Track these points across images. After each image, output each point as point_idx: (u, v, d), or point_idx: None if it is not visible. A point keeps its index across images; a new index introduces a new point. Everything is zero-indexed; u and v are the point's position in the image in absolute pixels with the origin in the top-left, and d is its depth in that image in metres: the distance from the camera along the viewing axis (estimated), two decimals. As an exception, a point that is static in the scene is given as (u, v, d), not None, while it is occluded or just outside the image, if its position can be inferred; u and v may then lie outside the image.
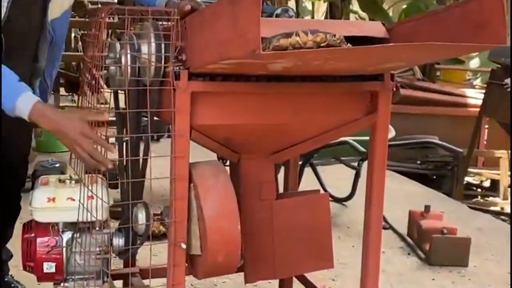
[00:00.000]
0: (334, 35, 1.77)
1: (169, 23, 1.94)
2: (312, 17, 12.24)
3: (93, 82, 2.23)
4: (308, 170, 3.94)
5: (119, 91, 2.28)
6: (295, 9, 11.50)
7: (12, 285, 2.70)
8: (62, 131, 2.01)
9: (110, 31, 2.89)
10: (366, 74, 2.06)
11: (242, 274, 2.33)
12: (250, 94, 1.98)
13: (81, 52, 5.53)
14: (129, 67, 1.96)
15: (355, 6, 10.45)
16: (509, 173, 5.78)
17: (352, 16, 10.86)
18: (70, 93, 6.62)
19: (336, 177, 4.08)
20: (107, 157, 2.01)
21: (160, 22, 2.05)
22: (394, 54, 1.86)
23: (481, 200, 6.00)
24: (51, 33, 2.47)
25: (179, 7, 2.04)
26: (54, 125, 2.02)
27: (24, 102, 1.98)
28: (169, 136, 2.05)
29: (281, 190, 2.64)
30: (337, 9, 10.36)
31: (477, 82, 8.50)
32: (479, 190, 6.35)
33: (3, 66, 2.01)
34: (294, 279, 2.71)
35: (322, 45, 1.72)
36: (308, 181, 3.55)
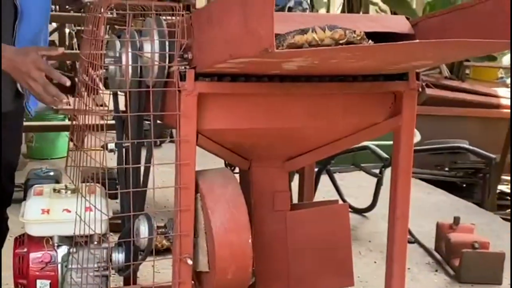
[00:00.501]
0: (354, 31, 1.78)
1: (174, 18, 1.95)
2: (328, 10, 12.22)
3: (90, 82, 2.25)
4: (324, 178, 3.93)
5: (119, 93, 2.29)
6: (309, 1, 11.52)
7: None
8: (17, 67, 2.09)
9: (108, 27, 2.88)
10: (389, 73, 2.06)
11: (252, 292, 2.34)
12: (262, 96, 1.98)
13: (76, 49, 5.54)
14: (130, 67, 1.97)
15: (375, -4, 10.45)
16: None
17: (372, 8, 10.84)
18: (65, 94, 6.64)
19: (356, 185, 4.07)
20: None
21: (164, 18, 2.05)
22: (420, 52, 1.86)
23: (517, 211, 5.95)
24: (16, 3, 2.41)
25: None
26: (9, 62, 2.10)
27: None
28: (172, 141, 2.06)
29: (295, 200, 2.64)
30: (355, 0, 10.36)
31: (510, 81, 8.45)
32: (513, 199, 6.30)
33: None
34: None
35: (341, 42, 1.72)
36: (325, 190, 3.55)
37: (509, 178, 5.87)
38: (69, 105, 4.45)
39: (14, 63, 2.10)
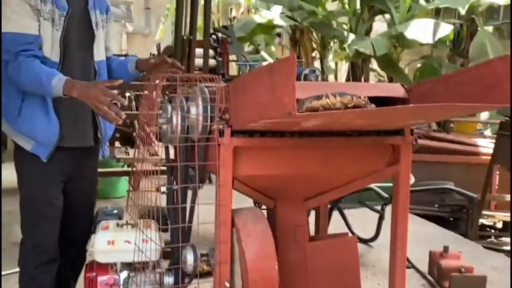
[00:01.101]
0: (360, 97, 1.79)
1: (215, 86, 1.99)
2: (336, 75, 12.27)
3: (146, 137, 2.29)
4: (336, 213, 3.92)
5: (170, 146, 2.32)
6: (320, 68, 11.66)
7: None
8: (89, 94, 2.12)
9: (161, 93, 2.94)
10: (388, 129, 2.07)
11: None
12: (285, 148, 1.99)
13: (135, 110, 5.61)
14: (179, 126, 2.01)
15: (374, 65, 10.46)
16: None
17: (371, 74, 10.88)
18: (124, 146, 6.70)
19: (362, 219, 4.05)
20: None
21: (205, 84, 2.08)
22: (413, 114, 1.87)
23: (495, 240, 5.87)
24: (96, 69, 2.53)
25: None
26: (82, 91, 2.15)
27: (57, 81, 2.15)
28: (211, 182, 2.07)
29: (312, 232, 2.63)
30: (358, 68, 10.40)
31: (487, 132, 8.40)
32: (492, 231, 6.22)
33: (41, 65, 2.23)
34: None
35: (349, 106, 1.74)
36: (336, 224, 3.52)
37: (488, 213, 5.87)
38: (128, 154, 4.47)
39: (86, 91, 2.14)
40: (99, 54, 2.53)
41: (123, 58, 2.71)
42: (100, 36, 2.52)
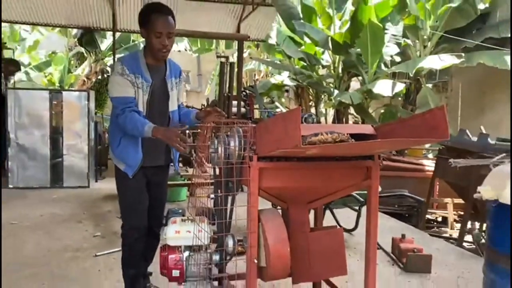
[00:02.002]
0: (344, 134, 1.79)
1: (246, 126, 1.99)
2: (325, 118, 12.27)
3: (200, 161, 2.31)
4: (327, 212, 3.88)
5: (216, 167, 2.33)
6: (315, 113, 11.71)
7: (153, 287, 2.71)
8: (168, 136, 2.21)
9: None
10: (363, 155, 2.05)
11: (290, 279, 2.28)
12: (294, 169, 1.96)
13: (193, 143, 5.67)
14: (222, 153, 2.01)
15: (351, 110, 10.44)
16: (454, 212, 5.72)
17: (350, 117, 10.84)
18: (185, 166, 6.74)
19: (346, 216, 3.99)
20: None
21: (239, 126, 2.09)
22: (380, 146, 1.86)
23: (437, 230, 5.76)
24: (170, 117, 2.56)
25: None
26: (164, 134, 2.23)
27: (148, 128, 2.24)
28: (242, 190, 2.07)
29: (311, 225, 2.61)
30: (341, 113, 10.38)
31: (430, 155, 8.28)
32: (435, 223, 6.11)
33: (138, 116, 2.32)
34: (322, 281, 2.64)
35: (337, 140, 1.74)
36: (327, 219, 3.49)
37: (431, 211, 5.83)
38: (187, 172, 4.47)
39: (167, 134, 2.22)
40: (172, 106, 2.54)
41: (188, 109, 2.72)
42: (173, 95, 2.54)
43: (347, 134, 1.82)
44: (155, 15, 2.32)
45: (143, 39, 2.44)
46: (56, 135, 6.01)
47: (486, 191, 1.19)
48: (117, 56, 9.80)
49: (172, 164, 2.73)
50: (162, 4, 2.41)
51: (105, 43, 12.72)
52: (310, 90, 11.96)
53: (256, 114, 7.86)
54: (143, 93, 2.38)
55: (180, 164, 6.54)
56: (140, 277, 2.59)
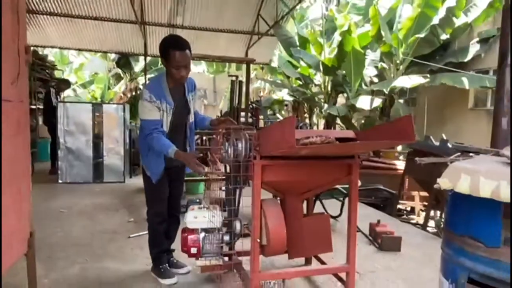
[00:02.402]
0: (330, 137, 1.81)
1: (252, 132, 2.01)
2: (317, 127, 12.25)
3: (214, 160, 2.32)
4: (317, 202, 3.88)
5: (227, 165, 2.34)
6: (309, 123, 11.70)
7: (175, 261, 2.70)
8: (187, 160, 2.18)
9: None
10: (346, 155, 2.07)
11: (286, 255, 2.30)
12: (290, 165, 1.98)
13: (207, 145, 5.66)
14: (231, 153, 2.02)
15: (338, 121, 10.42)
16: (421, 203, 5.70)
17: (337, 126, 10.82)
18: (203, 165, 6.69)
19: (332, 205, 3.98)
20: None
21: (246, 132, 2.10)
22: (358, 146, 1.88)
23: (406, 217, 5.74)
24: (190, 129, 2.53)
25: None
26: (184, 158, 2.20)
27: (172, 150, 2.21)
28: (249, 185, 2.08)
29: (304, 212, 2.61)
30: (330, 122, 10.37)
31: (401, 157, 8.24)
32: (404, 212, 6.08)
33: (164, 138, 2.27)
34: (312, 257, 2.65)
35: (324, 142, 1.76)
36: (317, 208, 3.48)
37: (402, 202, 5.81)
38: (204, 169, 4.45)
39: (186, 157, 2.20)
40: (191, 117, 2.51)
41: (204, 116, 2.65)
42: (192, 107, 2.49)
43: (333, 137, 1.84)
44: (173, 51, 2.22)
45: None
46: (97, 140, 6.05)
47: (444, 182, 1.20)
48: (148, 75, 9.89)
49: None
50: (179, 38, 2.31)
51: (138, 66, 12.80)
52: (305, 104, 11.96)
53: (261, 123, 7.87)
54: (167, 115, 2.33)
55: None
56: (163, 253, 2.58)
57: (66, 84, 7.35)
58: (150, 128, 2.27)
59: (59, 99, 6.88)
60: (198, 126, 2.63)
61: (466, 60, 8.49)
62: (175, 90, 2.38)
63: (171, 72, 2.28)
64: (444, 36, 8.38)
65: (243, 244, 2.28)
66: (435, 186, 1.23)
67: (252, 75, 14.18)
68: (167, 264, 2.58)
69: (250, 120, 5.46)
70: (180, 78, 2.29)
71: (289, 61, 10.97)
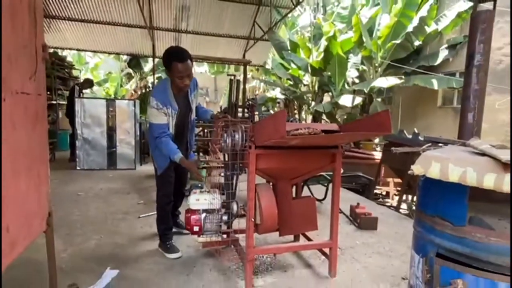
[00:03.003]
0: (317, 129, 1.79)
1: (247, 125, 1.99)
2: (306, 121, 12.21)
3: (214, 150, 2.30)
4: (305, 188, 3.87)
5: (226, 154, 2.32)
6: (298, 118, 11.68)
7: (181, 222, 2.74)
8: (189, 166, 2.23)
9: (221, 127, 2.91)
10: (330, 145, 2.05)
11: (277, 232, 2.29)
12: (281, 154, 1.97)
13: (209, 137, 5.61)
14: (229, 143, 2.01)
15: (324, 116, 10.40)
16: (395, 188, 5.72)
17: (323, 121, 10.80)
18: (204, 155, 6.65)
19: (318, 190, 3.98)
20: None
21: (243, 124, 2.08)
22: (341, 137, 1.86)
23: (382, 201, 5.75)
24: (191, 124, 2.52)
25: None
26: (187, 165, 2.25)
27: (177, 157, 2.23)
28: (245, 172, 2.06)
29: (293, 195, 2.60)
30: (316, 118, 10.35)
31: (378, 148, 8.26)
32: (380, 196, 6.10)
33: (171, 143, 2.28)
34: (300, 235, 2.64)
35: (311, 133, 1.74)
36: (305, 192, 3.48)
37: (378, 187, 5.82)
38: (206, 158, 4.39)
39: (189, 165, 2.26)
40: (193, 115, 2.49)
41: (206, 109, 2.63)
42: (194, 105, 2.47)
43: (319, 130, 1.82)
44: (175, 63, 2.17)
45: None
46: (111, 131, 5.99)
47: (417, 169, 1.19)
48: (156, 75, 9.78)
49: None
50: (180, 50, 2.25)
51: (147, 66, 12.65)
52: (295, 101, 11.91)
53: (256, 118, 7.83)
54: (172, 119, 2.33)
55: (201, 154, 6.52)
56: (169, 230, 2.58)
57: (89, 83, 7.26)
58: (159, 131, 2.29)
59: (80, 96, 6.78)
60: (200, 118, 2.61)
61: (436, 63, 8.50)
62: (179, 94, 2.37)
63: (175, 82, 2.26)
64: (417, 43, 8.37)
65: (239, 223, 2.27)
66: (409, 172, 1.21)
67: (248, 75, 14.06)
68: (172, 240, 2.58)
69: (246, 115, 5.41)
70: (183, 86, 2.28)
71: (281, 63, 10.90)
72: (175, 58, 2.19)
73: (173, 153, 2.25)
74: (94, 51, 10.50)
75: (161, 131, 2.28)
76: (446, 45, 8.63)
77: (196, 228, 2.20)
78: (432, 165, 1.16)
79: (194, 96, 2.48)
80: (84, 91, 7.13)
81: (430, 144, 1.47)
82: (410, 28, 8.07)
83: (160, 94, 2.30)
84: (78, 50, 9.92)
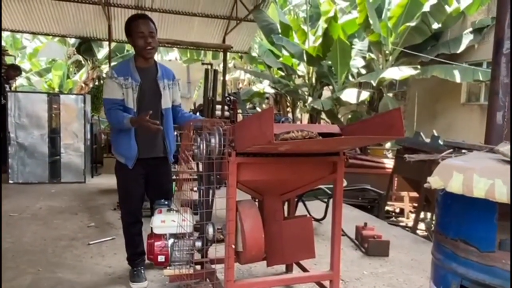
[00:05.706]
0: (312, 132, 1.80)
1: (226, 126, 1.98)
2: (301, 122, 12.32)
3: (185, 157, 2.28)
4: (300, 203, 3.89)
5: (199, 163, 2.31)
6: (292, 118, 11.77)
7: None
8: (139, 121, 2.27)
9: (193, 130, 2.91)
10: (330, 152, 2.06)
11: (265, 262, 2.28)
12: (268, 163, 1.97)
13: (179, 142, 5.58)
14: (204, 150, 2.00)
15: (323, 115, 10.52)
16: (410, 204, 5.81)
17: (322, 121, 10.91)
18: (173, 164, 6.59)
19: (316, 207, 4.00)
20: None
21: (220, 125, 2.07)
22: (343, 142, 1.87)
23: (394, 219, 5.84)
24: (163, 113, 2.53)
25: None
26: (136, 121, 2.29)
27: (126, 119, 2.30)
28: (225, 185, 2.05)
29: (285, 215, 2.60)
30: (314, 117, 10.45)
31: (390, 155, 8.39)
32: (393, 214, 6.19)
33: (121, 112, 2.36)
34: (293, 264, 2.64)
35: (306, 137, 1.74)
36: (300, 210, 3.49)
37: (390, 203, 5.90)
38: (175, 168, 4.39)
39: (138, 119, 2.30)
40: (165, 104, 2.53)
41: (191, 114, 2.84)
42: (166, 94, 2.54)
43: (316, 132, 1.83)
44: (135, 22, 2.42)
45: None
46: (54, 135, 5.89)
47: (435, 181, 1.20)
48: (112, 63, 9.67)
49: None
50: (141, 13, 2.53)
51: (102, 52, 12.49)
52: (288, 97, 12.00)
53: (240, 117, 7.84)
54: (132, 92, 2.41)
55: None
56: (137, 255, 2.58)
57: (15, 70, 7.07)
58: (109, 106, 2.40)
59: (10, 88, 6.63)
60: (179, 123, 2.66)
61: (458, 51, 8.68)
62: (144, 71, 2.49)
63: (137, 45, 2.40)
64: (436, 25, 8.53)
65: (216, 251, 2.25)
66: (425, 185, 1.23)
67: (230, 64, 14.11)
68: (142, 267, 2.58)
69: (227, 114, 5.40)
70: (146, 46, 2.40)
71: (270, 50, 10.96)
72: (134, 18, 2.45)
73: (122, 118, 2.33)
74: (33, 33, 10.30)
75: (111, 106, 2.38)
76: (470, 29, 8.85)
77: (161, 258, 2.19)
78: (453, 176, 1.17)
79: (170, 86, 2.56)
80: (11, 81, 6.96)
81: (451, 150, 1.48)
82: (427, 8, 8.26)
83: (120, 65, 2.54)
84: (12, 31, 9.72)
